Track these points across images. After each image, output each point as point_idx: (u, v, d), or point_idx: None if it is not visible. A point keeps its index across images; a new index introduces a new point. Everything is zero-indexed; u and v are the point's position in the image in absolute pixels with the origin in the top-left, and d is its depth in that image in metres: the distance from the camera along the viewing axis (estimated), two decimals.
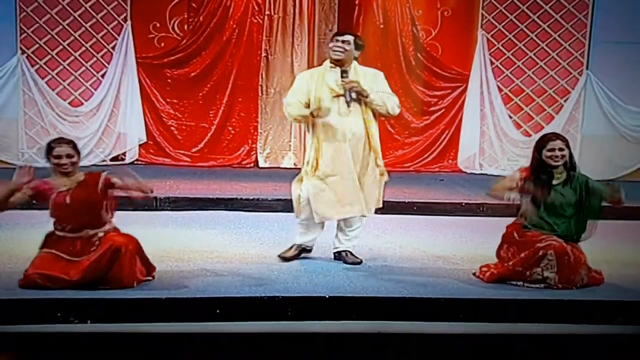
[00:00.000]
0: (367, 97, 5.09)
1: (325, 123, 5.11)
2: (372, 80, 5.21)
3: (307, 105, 5.12)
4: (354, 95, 5.08)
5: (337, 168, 5.12)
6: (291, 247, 5.36)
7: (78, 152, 4.63)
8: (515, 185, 4.88)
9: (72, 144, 4.62)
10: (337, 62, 5.16)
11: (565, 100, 9.84)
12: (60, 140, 4.65)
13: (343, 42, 5.13)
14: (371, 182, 5.21)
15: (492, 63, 9.82)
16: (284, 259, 5.28)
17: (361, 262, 5.28)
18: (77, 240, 4.54)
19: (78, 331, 4.20)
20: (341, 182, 5.12)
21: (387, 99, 5.16)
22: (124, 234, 4.61)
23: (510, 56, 9.85)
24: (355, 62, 5.23)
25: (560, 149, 4.84)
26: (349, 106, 5.09)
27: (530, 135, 9.70)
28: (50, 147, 4.58)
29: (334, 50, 5.14)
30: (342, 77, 5.10)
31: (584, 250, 4.90)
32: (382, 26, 9.90)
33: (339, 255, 5.34)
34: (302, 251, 5.35)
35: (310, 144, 5.22)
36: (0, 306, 4.22)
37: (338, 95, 5.11)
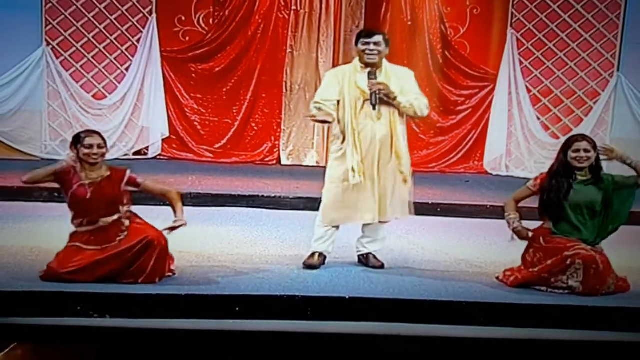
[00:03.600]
0: (394, 99, 4.96)
1: (357, 125, 4.97)
2: (404, 79, 5.09)
3: (337, 104, 5.01)
4: (381, 97, 4.94)
5: (368, 171, 5.00)
6: (313, 254, 5.20)
7: (106, 144, 4.65)
8: (528, 193, 4.91)
9: (101, 135, 4.66)
10: (370, 65, 5.01)
11: (594, 103, 9.69)
12: (91, 131, 4.70)
13: (375, 44, 4.98)
14: (392, 188, 5.07)
15: (521, 63, 9.70)
16: (311, 266, 5.13)
17: (383, 266, 5.20)
18: (97, 231, 4.54)
19: (97, 325, 4.21)
20: (359, 187, 5.00)
21: (414, 101, 5.02)
22: (154, 227, 4.61)
23: (540, 56, 9.72)
24: (385, 61, 5.10)
25: (586, 150, 4.77)
26: (374, 108, 4.95)
27: (558, 138, 9.53)
28: (80, 138, 4.59)
29: (368, 55, 4.98)
30: (369, 78, 4.94)
31: (611, 257, 4.81)
32: (409, 23, 9.83)
33: (362, 259, 5.26)
34: (325, 258, 5.24)
35: (341, 148, 5.05)
36: (20, 298, 4.25)
37: (366, 99, 4.98)
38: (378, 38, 5.01)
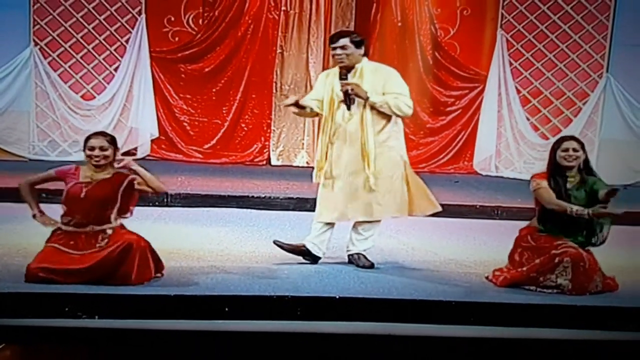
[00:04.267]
0: (367, 99, 4.99)
1: (332, 125, 5.09)
2: (383, 78, 5.10)
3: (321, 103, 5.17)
4: (352, 97, 5.01)
5: (337, 170, 5.10)
6: (303, 245, 5.25)
7: (115, 147, 4.59)
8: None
9: (109, 137, 4.61)
10: (343, 67, 5.11)
11: (584, 104, 9.72)
12: (98, 133, 4.63)
13: (341, 47, 5.05)
14: (368, 186, 5.07)
15: (510, 64, 9.73)
16: (294, 251, 5.17)
17: (373, 265, 5.20)
18: (82, 235, 4.50)
19: (85, 326, 4.18)
20: (338, 185, 5.10)
21: (392, 100, 5.03)
22: (134, 233, 4.57)
23: (530, 57, 9.74)
24: (364, 61, 5.14)
25: (575, 150, 4.77)
26: (349, 109, 5.03)
27: (547, 138, 9.56)
28: (86, 139, 4.57)
29: (337, 58, 5.09)
30: (340, 79, 5.04)
31: (598, 257, 4.82)
32: (399, 24, 9.84)
33: (352, 258, 5.25)
34: (306, 253, 5.21)
35: (320, 146, 5.21)
36: (8, 299, 4.21)
37: (341, 100, 5.08)
38: (344, 41, 5.06)
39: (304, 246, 5.20)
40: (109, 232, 4.52)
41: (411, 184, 5.21)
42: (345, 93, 4.99)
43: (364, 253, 5.23)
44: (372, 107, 5.03)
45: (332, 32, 9.51)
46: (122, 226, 4.61)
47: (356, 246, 5.23)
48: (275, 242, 5.24)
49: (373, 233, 5.25)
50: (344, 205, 5.11)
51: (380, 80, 5.06)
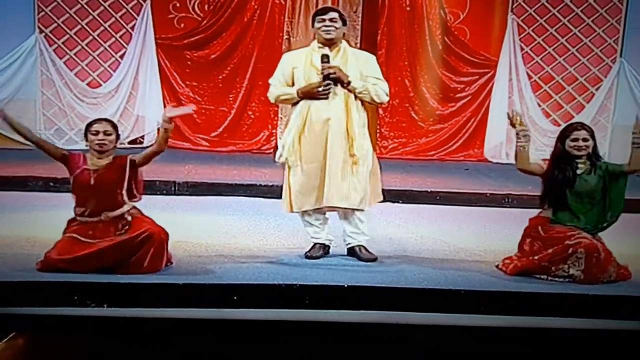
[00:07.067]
0: (348, 84, 4.87)
1: (307, 106, 4.90)
2: (363, 63, 4.99)
3: (290, 86, 4.96)
4: (332, 80, 4.85)
5: (316, 154, 4.90)
6: (314, 246, 5.11)
7: (117, 133, 4.59)
8: (537, 170, 4.80)
9: (111, 123, 4.61)
10: (327, 42, 4.95)
11: (597, 89, 9.65)
12: (101, 119, 4.64)
13: (331, 20, 4.92)
14: (346, 172, 4.91)
15: (522, 49, 9.65)
16: (312, 258, 5.03)
17: (376, 258, 5.06)
18: (99, 223, 4.49)
19: (94, 315, 4.19)
20: (317, 170, 4.90)
21: (371, 86, 4.93)
22: (156, 223, 4.56)
23: (541, 42, 9.65)
24: (344, 43, 5.03)
25: (585, 139, 4.71)
26: (328, 93, 4.86)
27: (559, 125, 9.41)
28: (89, 124, 4.56)
29: (325, 30, 4.92)
30: (322, 61, 4.86)
31: (612, 245, 4.75)
32: (408, 9, 9.75)
33: (352, 251, 5.11)
34: (326, 248, 5.13)
35: (290, 127, 4.99)
36: (17, 288, 4.21)
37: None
38: (333, 14, 4.95)
39: (324, 245, 5.09)
40: (129, 218, 4.50)
41: (376, 174, 5.11)
42: (327, 76, 4.83)
43: (364, 245, 5.10)
44: (351, 92, 4.89)
45: None
46: (140, 212, 4.60)
47: (355, 239, 5.08)
48: (306, 256, 5.06)
49: (365, 223, 5.10)
50: (327, 190, 4.89)
51: (360, 65, 4.96)
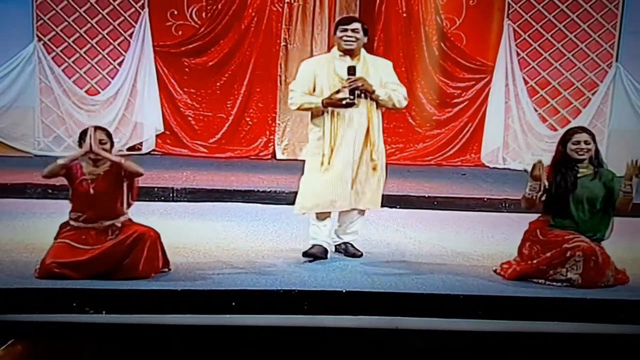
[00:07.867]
0: (373, 92, 4.98)
1: (335, 114, 4.99)
2: (382, 70, 5.11)
3: (312, 93, 5.04)
4: (359, 93, 4.95)
5: (345, 160, 5.02)
6: (313, 246, 5.19)
7: (111, 141, 4.61)
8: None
9: (105, 130, 4.62)
10: (348, 52, 5.05)
11: (593, 94, 9.63)
12: (95, 127, 4.63)
13: (353, 30, 5.02)
14: (365, 176, 5.08)
15: (518, 54, 9.64)
16: (309, 255, 5.10)
17: (362, 254, 5.22)
18: (92, 230, 4.53)
19: (93, 321, 4.21)
20: (334, 175, 5.01)
21: (392, 93, 5.05)
22: (144, 225, 4.60)
23: (537, 47, 9.65)
24: (364, 51, 5.13)
25: (586, 142, 4.73)
26: (353, 104, 4.96)
27: (556, 130, 9.50)
28: (83, 132, 4.56)
29: (346, 41, 5.02)
30: (348, 74, 4.95)
31: (610, 249, 4.78)
32: (405, 15, 9.76)
33: (339, 248, 5.28)
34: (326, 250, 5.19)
35: (320, 136, 5.06)
36: (16, 295, 4.23)
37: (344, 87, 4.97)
38: (356, 25, 5.05)
39: (322, 247, 5.15)
40: (119, 224, 4.54)
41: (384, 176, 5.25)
42: (353, 90, 4.91)
43: (352, 242, 5.25)
44: (374, 100, 5.01)
45: None
46: (130, 220, 4.63)
47: (343, 238, 5.27)
48: (303, 254, 5.14)
49: (360, 225, 5.29)
50: (351, 193, 5.03)
51: (380, 72, 5.08)
